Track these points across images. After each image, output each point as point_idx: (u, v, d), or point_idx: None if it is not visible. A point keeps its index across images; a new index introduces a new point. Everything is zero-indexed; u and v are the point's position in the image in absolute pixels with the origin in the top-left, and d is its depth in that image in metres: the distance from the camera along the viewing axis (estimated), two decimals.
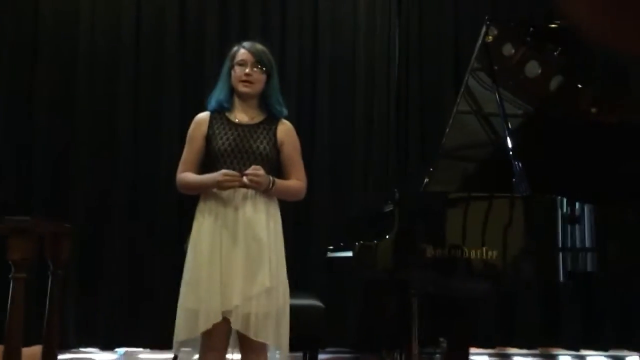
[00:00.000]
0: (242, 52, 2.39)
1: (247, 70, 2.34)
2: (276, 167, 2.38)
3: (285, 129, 2.41)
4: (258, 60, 2.36)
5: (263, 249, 2.23)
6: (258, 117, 2.40)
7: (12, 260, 2.32)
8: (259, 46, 2.43)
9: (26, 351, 2.49)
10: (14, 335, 2.33)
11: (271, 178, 2.26)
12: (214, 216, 2.25)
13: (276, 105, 2.41)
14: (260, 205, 2.27)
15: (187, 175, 2.35)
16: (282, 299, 2.28)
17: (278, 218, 2.36)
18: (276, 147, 2.36)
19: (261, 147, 2.32)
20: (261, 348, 2.25)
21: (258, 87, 2.37)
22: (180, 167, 2.39)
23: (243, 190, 2.24)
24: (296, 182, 2.38)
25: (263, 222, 2.26)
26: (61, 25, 4.67)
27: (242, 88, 2.35)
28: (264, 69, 2.37)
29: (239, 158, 2.30)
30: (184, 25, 4.80)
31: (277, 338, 2.23)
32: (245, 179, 2.20)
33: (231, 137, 2.32)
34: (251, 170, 2.22)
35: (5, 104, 4.51)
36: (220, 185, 2.21)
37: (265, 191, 2.26)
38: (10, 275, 2.34)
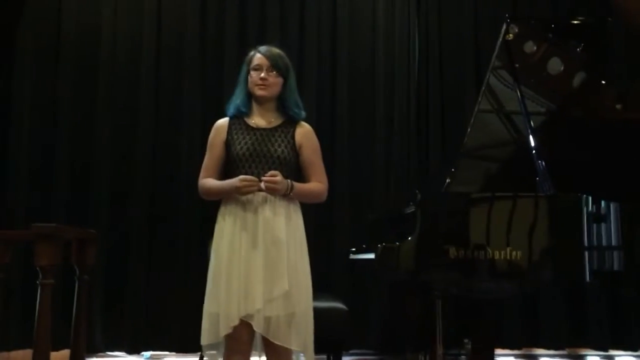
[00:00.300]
0: (257, 56, 2.40)
1: (262, 75, 2.35)
2: (295, 170, 2.38)
3: (303, 132, 2.41)
4: (273, 64, 2.37)
5: (282, 252, 2.24)
6: (276, 121, 2.41)
7: (40, 266, 2.36)
8: (275, 50, 2.44)
9: (54, 355, 2.53)
10: (42, 340, 2.36)
11: (289, 182, 2.26)
12: (234, 219, 2.27)
13: (294, 107, 2.42)
14: (279, 208, 2.27)
15: (207, 182, 2.37)
16: (304, 302, 2.27)
17: (299, 220, 2.36)
18: (295, 150, 2.36)
19: (279, 150, 2.33)
20: (285, 351, 2.26)
21: (274, 90, 2.38)
22: (202, 173, 2.42)
23: (262, 193, 2.25)
24: (316, 184, 2.38)
25: (282, 225, 2.26)
26: (83, 34, 4.72)
27: (258, 92, 2.37)
28: (280, 72, 2.37)
29: (257, 162, 2.31)
30: (203, 31, 4.83)
31: (299, 341, 2.22)
32: (262, 184, 2.21)
33: (249, 142, 2.33)
34: (268, 175, 2.22)
35: (28, 112, 4.57)
36: (238, 190, 2.23)
37: (284, 195, 2.26)
38: (37, 282, 2.38)
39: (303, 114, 2.44)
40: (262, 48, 2.44)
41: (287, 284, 2.20)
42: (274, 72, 2.36)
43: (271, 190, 2.22)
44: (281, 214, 2.27)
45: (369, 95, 4.95)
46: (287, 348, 2.24)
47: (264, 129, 2.37)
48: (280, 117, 2.42)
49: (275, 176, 2.22)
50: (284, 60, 2.42)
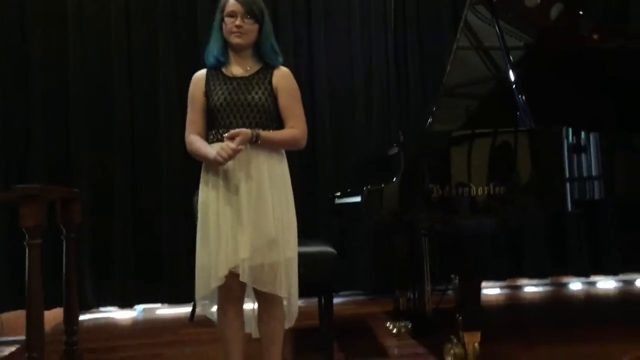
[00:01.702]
0: (231, 2, 2.32)
1: (237, 22, 2.29)
2: (277, 117, 2.34)
3: (280, 75, 2.36)
4: (248, 10, 2.30)
5: (266, 201, 2.23)
6: (253, 68, 2.36)
7: (26, 227, 2.33)
8: None
9: (47, 314, 2.54)
10: (34, 299, 2.36)
11: (254, 132, 2.21)
12: (217, 171, 2.25)
13: (270, 53, 2.36)
14: (261, 157, 2.26)
15: (193, 141, 2.31)
16: (290, 251, 2.29)
17: (283, 169, 2.34)
18: (273, 96, 2.32)
19: (256, 97, 2.28)
20: (275, 299, 2.29)
21: (250, 37, 2.32)
22: (187, 128, 2.36)
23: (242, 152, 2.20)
24: (289, 131, 2.32)
25: (265, 176, 2.25)
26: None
27: (234, 39, 2.31)
28: (255, 18, 2.31)
29: (234, 112, 2.27)
30: None
31: (283, 289, 2.25)
32: (224, 149, 2.15)
33: (226, 92, 2.29)
34: (227, 142, 2.16)
35: (2, 74, 4.46)
36: (217, 164, 2.19)
37: (252, 144, 2.22)
38: (24, 242, 2.37)
39: (280, 59, 2.39)
40: None
41: (273, 232, 2.21)
42: (250, 19, 2.30)
43: (235, 150, 2.14)
44: (263, 163, 2.26)
45: (346, 38, 4.89)
46: (276, 296, 2.27)
47: (241, 78, 2.33)
48: (257, 63, 2.37)
49: (231, 138, 2.16)
50: (258, 5, 2.35)
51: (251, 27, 2.31)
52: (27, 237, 2.36)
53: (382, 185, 2.71)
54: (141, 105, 4.66)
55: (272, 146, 2.29)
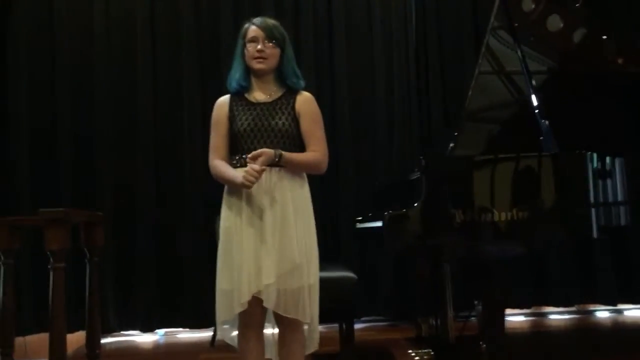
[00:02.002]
0: (252, 28, 2.36)
1: (259, 47, 2.31)
2: (299, 142, 2.34)
3: (302, 100, 2.37)
4: (269, 35, 2.32)
5: (290, 225, 2.23)
6: (276, 94, 2.38)
7: (50, 250, 2.37)
8: (270, 20, 2.39)
9: (70, 337, 2.56)
10: (57, 322, 2.39)
11: (277, 152, 2.22)
12: (241, 195, 2.26)
13: (292, 77, 2.38)
14: (284, 182, 2.27)
15: (218, 166, 2.32)
16: (313, 275, 2.28)
17: (305, 194, 2.34)
18: (296, 121, 2.33)
19: (280, 123, 2.30)
20: (296, 324, 2.28)
21: (272, 62, 2.35)
22: (212, 154, 2.37)
23: (265, 174, 2.21)
24: (311, 154, 2.33)
25: (288, 199, 2.26)
26: (76, 12, 4.67)
27: (256, 65, 2.33)
28: (276, 43, 2.34)
29: (259, 137, 2.29)
30: (198, 5, 4.79)
31: (306, 314, 2.23)
32: (251, 174, 2.15)
33: (250, 118, 2.31)
34: (253, 165, 2.16)
35: (28, 98, 4.54)
36: (244, 187, 2.20)
37: (274, 165, 2.23)
38: (49, 266, 2.39)
39: (302, 83, 2.41)
40: (257, 19, 2.39)
41: (297, 257, 2.21)
42: (271, 44, 2.33)
43: (259, 173, 2.15)
44: (286, 187, 2.26)
45: (368, 62, 4.91)
46: (297, 321, 2.25)
47: (264, 103, 2.35)
48: (280, 88, 2.39)
49: (254, 160, 2.16)
50: (279, 30, 2.38)
51: (273, 51, 2.33)
52: (51, 260, 2.39)
53: (404, 210, 2.70)
54: (165, 130, 4.71)
55: (294, 169, 2.29)
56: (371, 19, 4.93)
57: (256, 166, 2.16)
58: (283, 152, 2.24)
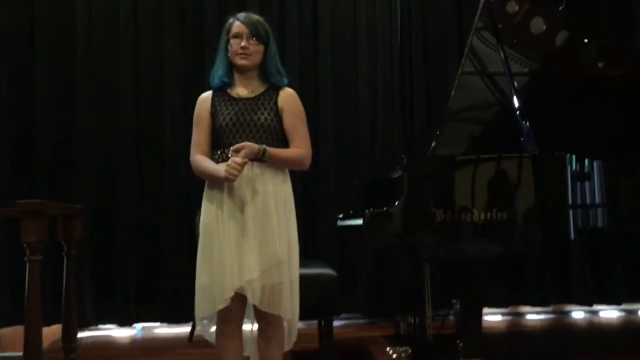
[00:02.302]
0: (236, 24, 2.34)
1: (242, 43, 2.30)
2: (282, 138, 2.34)
3: (285, 96, 2.36)
4: (253, 31, 2.31)
5: (271, 220, 2.23)
6: (259, 89, 2.37)
7: (27, 242, 2.34)
8: (254, 17, 2.38)
9: (46, 330, 2.53)
10: (33, 315, 2.36)
11: (261, 147, 2.22)
12: (222, 189, 2.25)
13: (275, 74, 2.37)
14: (266, 176, 2.26)
15: (199, 161, 2.31)
16: (294, 270, 2.29)
17: (287, 189, 2.34)
18: (278, 116, 2.33)
19: (262, 118, 2.29)
20: (277, 320, 2.28)
21: (256, 58, 2.34)
22: (193, 149, 2.36)
23: (246, 170, 2.21)
24: (295, 150, 2.33)
25: (270, 193, 2.25)
26: (58, 10, 4.63)
27: (239, 61, 2.32)
28: (260, 40, 2.33)
29: (240, 132, 2.28)
30: (182, 2, 4.76)
31: (288, 310, 2.24)
32: (233, 167, 2.14)
33: (232, 113, 2.30)
34: (235, 158, 2.15)
35: (7, 90, 4.49)
36: (226, 180, 2.19)
37: (257, 160, 2.22)
38: (25, 258, 2.36)
39: (285, 80, 2.40)
40: (241, 15, 2.38)
41: (280, 252, 2.21)
42: (255, 40, 2.32)
43: (242, 165, 2.14)
44: (269, 182, 2.26)
45: (352, 61, 4.92)
46: (278, 317, 2.25)
47: (247, 98, 2.34)
48: (263, 85, 2.38)
49: (237, 152, 2.16)
50: (263, 26, 2.37)
51: (256, 48, 2.32)
52: (27, 252, 2.36)
53: (385, 208, 2.70)
54: (146, 125, 4.68)
55: (277, 164, 2.29)
56: (356, 19, 4.93)
57: (238, 159, 2.15)
58: (267, 148, 2.23)
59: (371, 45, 4.93)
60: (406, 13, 4.95)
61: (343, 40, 4.93)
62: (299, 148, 2.33)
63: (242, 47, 2.30)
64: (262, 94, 2.35)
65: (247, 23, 2.33)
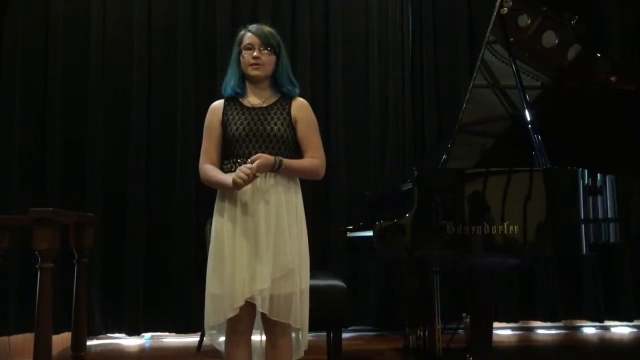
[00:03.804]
0: (248, 35, 2.37)
1: (255, 54, 2.32)
2: (294, 148, 2.35)
3: (298, 106, 2.38)
4: (265, 42, 2.33)
5: (284, 230, 2.23)
6: (271, 99, 2.38)
7: (38, 250, 2.35)
8: (265, 28, 2.40)
9: (56, 338, 2.54)
10: (43, 323, 2.37)
11: (277, 159, 2.23)
12: (234, 200, 2.26)
13: (287, 84, 2.38)
14: (279, 187, 2.27)
15: (208, 170, 2.32)
16: (304, 280, 2.29)
17: (298, 199, 2.34)
18: (291, 126, 2.33)
19: (275, 128, 2.30)
20: (285, 329, 2.27)
21: (268, 69, 2.35)
22: (202, 158, 2.38)
23: (262, 175, 2.22)
24: (310, 160, 2.34)
25: (282, 204, 2.26)
26: (73, 20, 4.68)
27: (252, 72, 2.34)
28: (272, 50, 2.35)
29: (253, 142, 2.29)
30: (195, 11, 4.80)
31: (297, 319, 2.24)
32: (243, 171, 2.15)
33: (245, 122, 2.31)
34: (247, 164, 2.16)
35: (20, 99, 4.53)
36: (235, 188, 2.20)
37: (274, 171, 2.23)
38: (37, 266, 2.38)
39: (297, 90, 2.41)
40: (253, 27, 2.40)
41: (291, 262, 2.21)
42: (266, 51, 2.34)
43: (257, 173, 2.15)
44: (281, 192, 2.26)
45: (363, 72, 4.94)
46: (287, 326, 2.25)
47: (259, 108, 2.35)
48: (275, 95, 2.39)
49: (252, 163, 2.16)
50: (275, 37, 2.38)
51: (268, 58, 2.34)
52: (39, 260, 2.37)
53: (395, 220, 2.70)
54: (158, 134, 4.71)
55: (292, 175, 2.30)
56: (368, 30, 4.95)
57: (250, 165, 2.15)
58: (283, 159, 2.24)
59: (382, 57, 4.94)
60: (417, 24, 4.96)
61: (354, 51, 4.94)
62: (313, 158, 2.34)
63: (254, 58, 2.32)
64: (275, 103, 2.36)
65: (259, 34, 2.34)
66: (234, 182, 2.16)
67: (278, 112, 2.34)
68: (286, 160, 2.25)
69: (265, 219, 2.22)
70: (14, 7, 4.55)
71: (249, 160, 2.19)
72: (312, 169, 2.35)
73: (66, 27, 4.66)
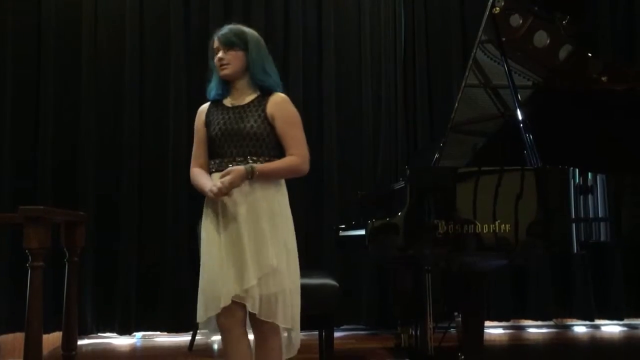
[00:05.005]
0: (214, 40, 2.41)
1: (219, 55, 2.35)
2: (274, 145, 2.31)
3: (274, 101, 2.34)
4: (225, 42, 2.35)
5: (263, 233, 2.23)
6: (250, 97, 2.37)
7: (29, 249, 2.33)
8: (228, 27, 2.40)
9: (46, 338, 2.52)
10: (34, 322, 2.35)
11: (248, 167, 2.21)
12: (217, 205, 2.27)
13: (260, 75, 2.35)
14: (257, 193, 2.25)
15: (195, 176, 2.37)
16: (292, 279, 2.28)
17: (280, 198, 2.32)
18: (268, 123, 2.30)
19: (248, 126, 2.28)
20: (274, 329, 2.26)
21: (236, 65, 2.34)
22: (192, 161, 2.42)
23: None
24: (289, 159, 2.30)
25: (262, 207, 2.24)
26: (64, 22, 4.66)
27: (221, 73, 2.36)
28: (235, 47, 2.34)
29: (229, 141, 2.29)
30: (188, 15, 4.78)
31: (287, 318, 2.23)
32: (217, 186, 2.18)
33: (222, 122, 2.32)
34: (218, 182, 2.19)
35: (12, 97, 4.50)
36: (214, 198, 2.22)
37: (247, 179, 2.22)
38: (27, 264, 2.36)
39: (273, 80, 2.37)
40: (219, 30, 2.42)
41: (274, 261, 2.20)
42: (231, 50, 2.34)
43: (230, 188, 2.18)
44: (260, 198, 2.25)
45: (356, 73, 4.94)
46: (274, 326, 2.24)
47: (237, 107, 2.35)
48: (255, 92, 2.38)
49: (223, 179, 2.18)
50: (235, 32, 2.37)
51: (233, 56, 2.34)
52: (30, 258, 2.35)
53: (387, 219, 2.70)
54: (150, 134, 4.69)
55: (271, 178, 2.29)
56: (360, 32, 4.95)
57: (219, 183, 2.18)
58: (255, 166, 2.22)
59: (375, 57, 4.94)
60: (410, 24, 4.97)
61: (347, 51, 4.94)
62: (293, 155, 2.31)
63: (219, 59, 2.35)
64: (252, 101, 2.35)
65: (219, 36, 2.38)
66: (211, 192, 2.20)
67: (254, 109, 2.33)
68: (259, 167, 2.24)
69: (245, 225, 2.22)
70: (5, 9, 4.52)
71: (220, 175, 2.22)
72: (290, 168, 2.32)
73: (58, 29, 4.64)
